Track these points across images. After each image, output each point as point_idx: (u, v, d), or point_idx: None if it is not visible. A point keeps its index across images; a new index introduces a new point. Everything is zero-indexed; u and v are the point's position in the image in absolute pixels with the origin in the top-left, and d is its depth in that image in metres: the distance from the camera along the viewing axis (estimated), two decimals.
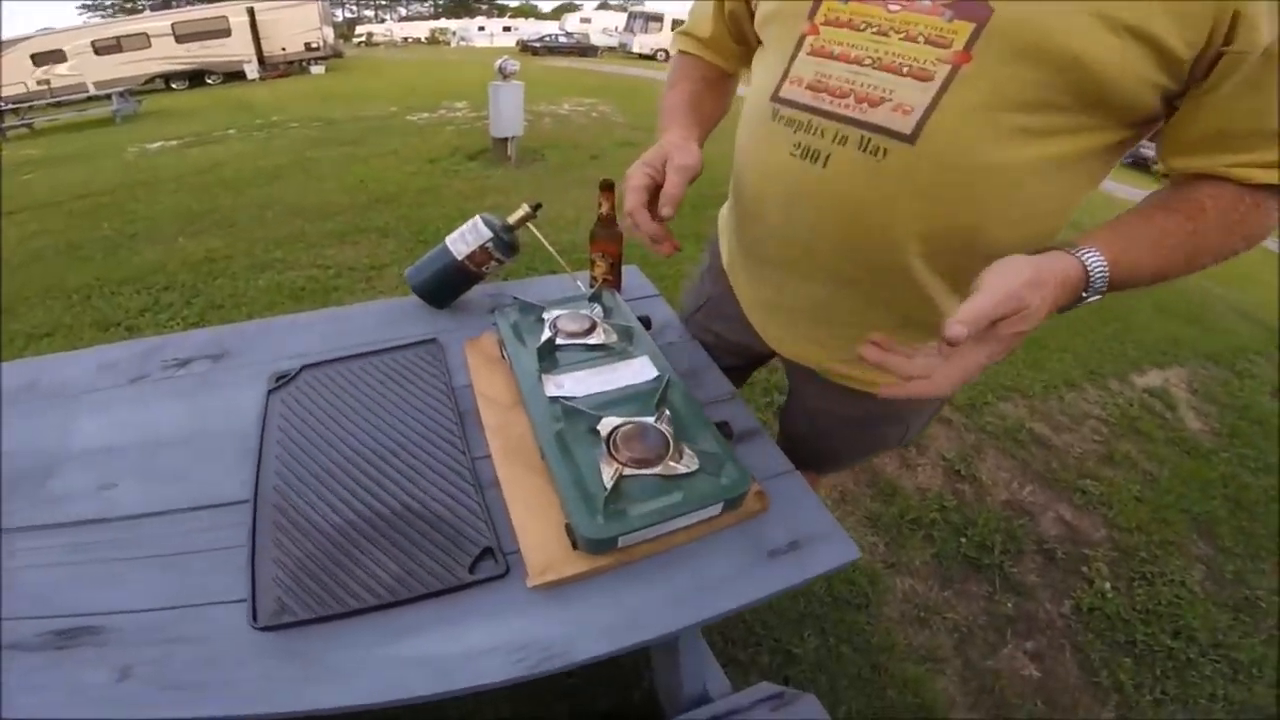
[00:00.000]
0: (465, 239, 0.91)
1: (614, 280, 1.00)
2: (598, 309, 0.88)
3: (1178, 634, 1.63)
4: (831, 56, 0.65)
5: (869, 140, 0.61)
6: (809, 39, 0.66)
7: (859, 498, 1.97)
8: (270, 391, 0.82)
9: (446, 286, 0.96)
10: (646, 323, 0.88)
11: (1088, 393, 2.84)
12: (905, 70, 0.60)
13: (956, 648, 1.54)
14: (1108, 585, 1.76)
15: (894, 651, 1.49)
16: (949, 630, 1.57)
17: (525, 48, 27.80)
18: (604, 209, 0.92)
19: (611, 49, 28.99)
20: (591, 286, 0.98)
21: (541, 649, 0.57)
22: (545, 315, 0.85)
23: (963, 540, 1.83)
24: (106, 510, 0.68)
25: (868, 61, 0.62)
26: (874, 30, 0.61)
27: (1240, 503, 2.37)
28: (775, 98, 0.69)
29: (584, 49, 27.76)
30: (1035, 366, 2.90)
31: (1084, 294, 0.57)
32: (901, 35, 0.60)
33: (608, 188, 0.90)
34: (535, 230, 0.95)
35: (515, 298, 0.88)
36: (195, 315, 2.72)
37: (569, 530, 0.61)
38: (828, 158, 0.64)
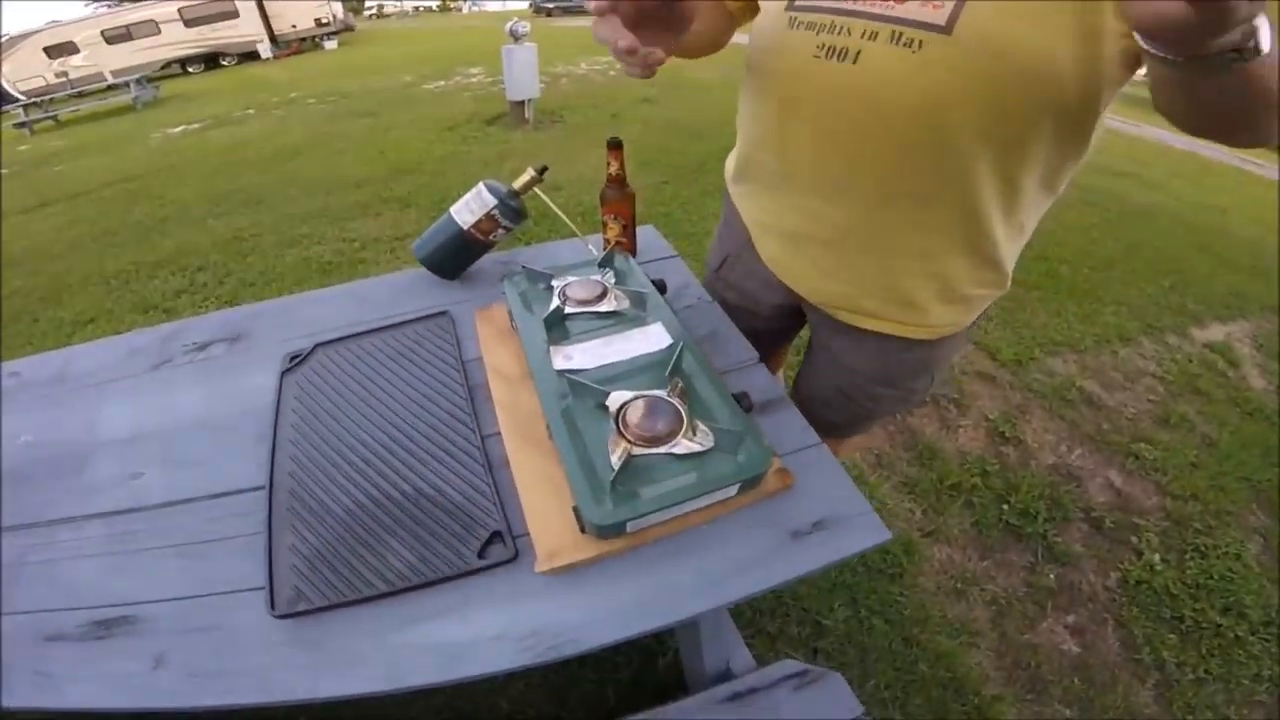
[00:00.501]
0: (470, 207, 0.87)
1: (628, 243, 0.96)
2: (610, 274, 0.83)
3: (1228, 610, 1.55)
4: None
5: (901, 34, 0.56)
6: None
7: (895, 462, 1.90)
8: (284, 372, 0.82)
9: (454, 257, 0.93)
10: (661, 287, 0.83)
11: (1144, 348, 2.68)
12: None
13: (993, 621, 1.49)
14: (1157, 557, 1.68)
15: (928, 624, 1.45)
16: (986, 603, 1.52)
17: (539, 9, 27.17)
18: (613, 169, 0.87)
19: None
20: (605, 250, 0.93)
21: (551, 636, 0.55)
22: (555, 283, 0.81)
23: (1005, 507, 1.76)
24: (136, 500, 0.71)
25: None
26: None
27: None
28: (792, 6, 0.64)
29: None
30: (1087, 320, 2.75)
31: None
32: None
33: (616, 146, 0.86)
34: (543, 194, 0.91)
35: (524, 266, 0.85)
36: (229, 294, 2.79)
37: (576, 514, 0.59)
38: (858, 54, 0.59)
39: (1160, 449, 2.10)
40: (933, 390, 0.91)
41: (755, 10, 0.74)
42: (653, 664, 1.27)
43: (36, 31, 16.71)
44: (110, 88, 12.05)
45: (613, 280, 0.82)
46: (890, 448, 1.97)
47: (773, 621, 1.41)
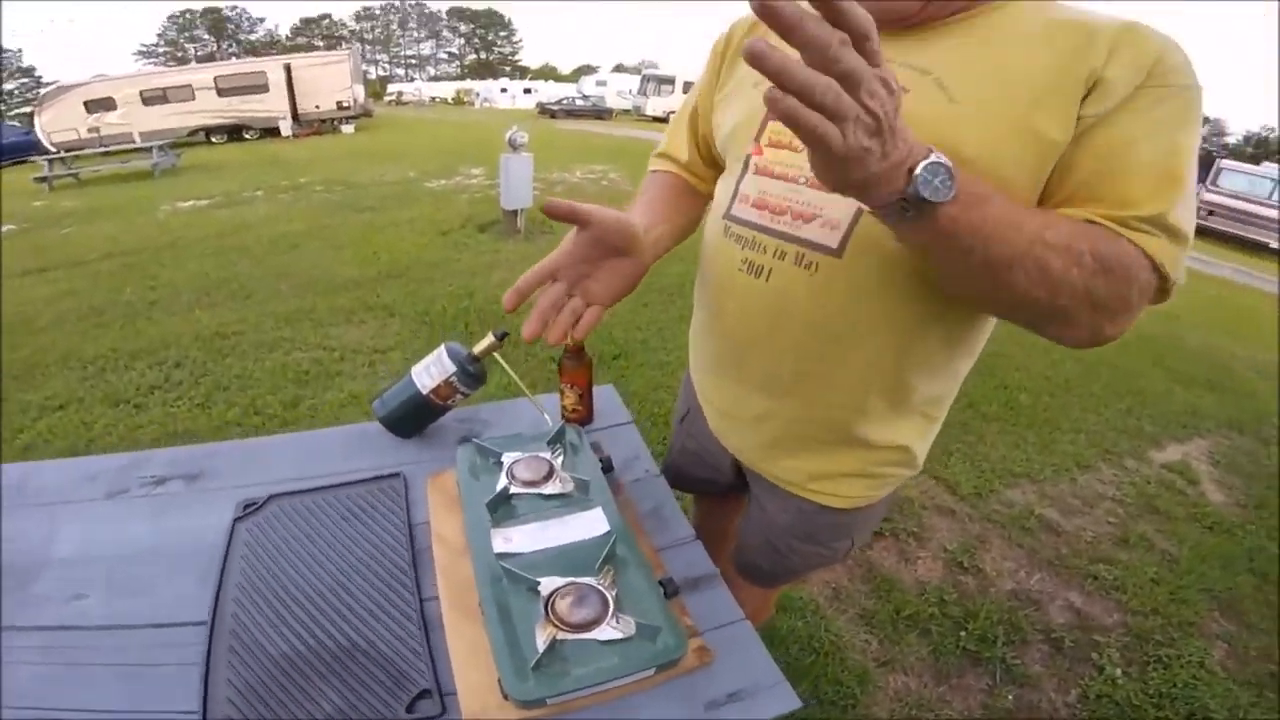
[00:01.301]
0: (430, 372, 0.93)
1: (584, 410, 1.01)
2: (559, 452, 0.89)
3: (1192, 715, 1.57)
4: (773, 175, 0.70)
5: (803, 255, 0.66)
6: (754, 159, 0.72)
7: (853, 594, 1.93)
8: (237, 519, 0.86)
9: (412, 419, 0.98)
10: (608, 464, 0.90)
11: (1102, 473, 2.80)
12: None
13: None
14: (1119, 671, 1.70)
15: None
16: None
17: (544, 110, 28.99)
18: (569, 342, 0.94)
19: (626, 111, 30.12)
20: (562, 416, 1.00)
21: None
22: (505, 458, 0.87)
23: (962, 634, 1.78)
24: (79, 619, 0.73)
25: (801, 180, 0.67)
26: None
27: (1267, 576, 2.30)
28: (727, 215, 0.75)
29: (599, 112, 28.95)
30: (1046, 449, 2.86)
31: (914, 173, 0.44)
32: None
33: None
34: (502, 360, 0.97)
35: (474, 442, 0.90)
36: (202, 395, 2.79)
37: (500, 684, 0.62)
38: (770, 272, 0.69)
39: (1120, 568, 2.17)
40: (854, 551, 0.97)
41: (717, 172, 0.85)
42: None
43: (82, 84, 17.39)
44: (135, 150, 12.41)
45: (560, 460, 0.88)
46: (848, 581, 1.99)
47: None
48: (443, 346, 0.95)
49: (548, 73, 79.18)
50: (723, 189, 0.79)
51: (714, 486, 1.02)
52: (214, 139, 17.96)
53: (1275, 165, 20.09)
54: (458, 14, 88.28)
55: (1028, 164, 0.57)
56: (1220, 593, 2.09)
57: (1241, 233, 15.61)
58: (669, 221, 0.81)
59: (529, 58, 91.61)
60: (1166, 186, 0.54)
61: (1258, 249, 15.08)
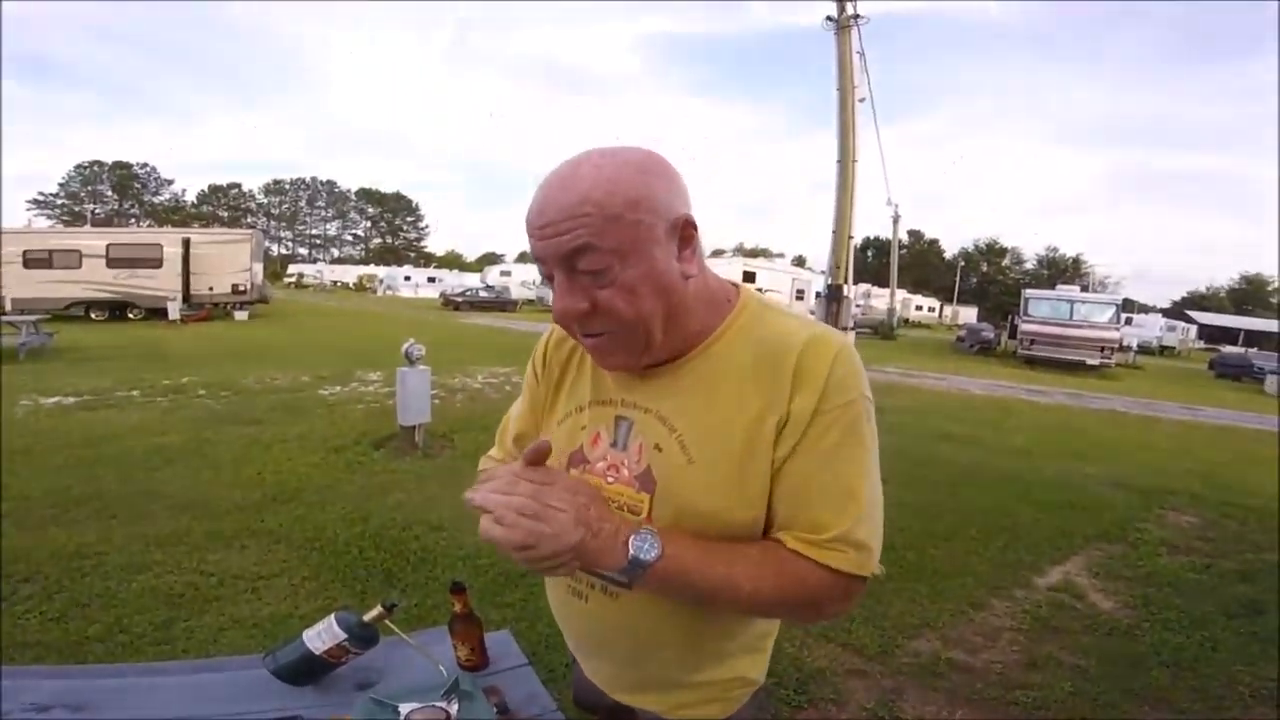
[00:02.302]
0: (321, 637, 0.98)
1: (478, 659, 1.07)
2: (455, 701, 0.93)
3: None
4: None
5: (607, 587, 0.81)
6: None
7: None
8: None
9: (304, 675, 1.00)
10: (504, 707, 0.96)
11: (995, 608, 2.99)
12: None
13: None
14: None
15: None
16: None
17: (448, 301, 29.62)
18: (458, 608, 1.03)
19: (530, 301, 31.49)
20: (458, 666, 1.05)
21: None
22: (401, 709, 0.90)
23: None
24: None
25: None
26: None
27: (1180, 663, 2.47)
28: None
29: (504, 303, 30.05)
30: (939, 597, 3.04)
31: (629, 548, 0.67)
32: (616, 505, 0.78)
33: (459, 590, 1.03)
34: (394, 626, 1.04)
35: (371, 697, 0.93)
36: (57, 610, 2.51)
37: None
38: (587, 597, 0.83)
39: (1036, 690, 2.29)
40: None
41: None
42: None
43: None
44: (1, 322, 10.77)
45: (456, 708, 0.92)
46: None
47: None
48: (333, 616, 1.01)
49: (452, 260, 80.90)
50: None
51: (608, 712, 1.06)
52: (94, 315, 16.64)
53: (1069, 286, 23.37)
54: (366, 195, 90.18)
55: (746, 506, 0.75)
56: (1139, 689, 2.24)
57: (1060, 355, 17.62)
58: None
59: (435, 244, 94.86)
60: (846, 507, 0.73)
61: (1075, 368, 17.05)
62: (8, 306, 14.65)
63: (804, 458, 0.72)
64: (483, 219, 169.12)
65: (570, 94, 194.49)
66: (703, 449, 0.75)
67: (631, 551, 0.66)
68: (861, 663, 2.47)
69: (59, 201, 68.52)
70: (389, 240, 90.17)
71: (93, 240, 17.45)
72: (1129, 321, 27.89)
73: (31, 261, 16.02)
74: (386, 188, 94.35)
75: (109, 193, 71.85)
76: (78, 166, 70.90)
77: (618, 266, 0.67)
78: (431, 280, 44.06)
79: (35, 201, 68.04)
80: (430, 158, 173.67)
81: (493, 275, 39.15)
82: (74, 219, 64.06)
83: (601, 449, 0.82)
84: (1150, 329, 31.82)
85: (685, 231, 0.72)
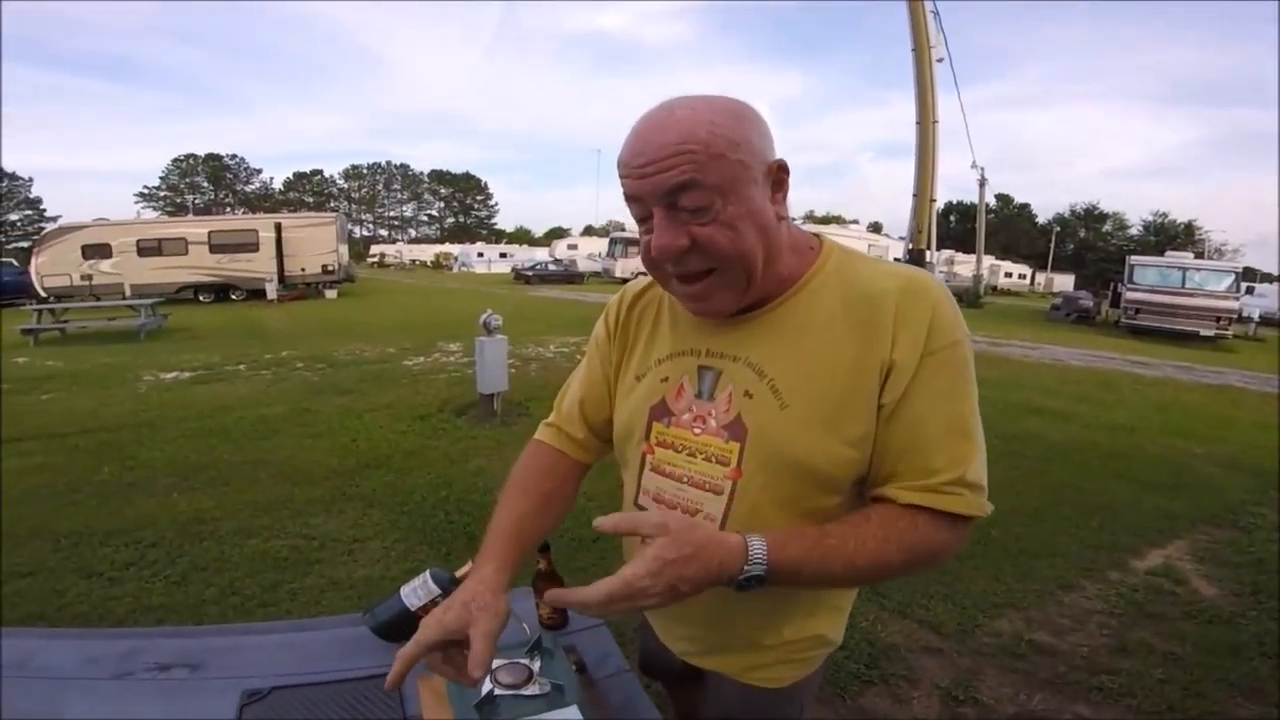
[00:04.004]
0: (417, 594, 1.05)
1: (559, 618, 1.12)
2: (537, 659, 0.98)
3: None
4: (664, 474, 0.84)
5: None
6: (649, 457, 0.86)
7: None
8: (243, 706, 0.91)
9: (400, 631, 1.06)
10: (582, 666, 0.99)
11: (1086, 590, 2.84)
12: (706, 485, 0.80)
13: None
14: None
15: None
16: None
17: (519, 275, 30.64)
18: (542, 565, 1.07)
19: (596, 274, 31.80)
20: (540, 623, 1.10)
21: None
22: None
23: None
24: None
25: (685, 479, 0.82)
26: (687, 452, 0.82)
27: None
28: (635, 503, 0.89)
29: (571, 275, 30.66)
30: (1025, 577, 2.90)
31: (745, 566, 0.67)
32: (703, 456, 0.80)
33: (545, 549, 1.07)
34: None
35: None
36: (178, 575, 2.77)
37: None
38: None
39: (1124, 675, 2.18)
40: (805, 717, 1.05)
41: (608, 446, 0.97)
42: None
43: (83, 227, 17.60)
44: (123, 306, 12.33)
45: (539, 665, 0.96)
46: None
47: None
48: (427, 572, 1.08)
49: (522, 236, 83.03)
50: (628, 479, 0.93)
51: (675, 675, 1.10)
52: (202, 297, 18.18)
53: (1180, 253, 21.25)
54: (438, 177, 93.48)
55: (848, 449, 0.74)
56: (1237, 680, 2.11)
57: (1169, 325, 16.16)
58: (533, 541, 0.89)
59: (504, 220, 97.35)
60: (959, 447, 0.72)
61: (1186, 339, 15.57)
62: (127, 291, 16.30)
63: (915, 402, 0.71)
64: (548, 196, 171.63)
65: (621, 67, 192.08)
66: (797, 394, 0.74)
67: (749, 567, 0.67)
68: (938, 640, 2.41)
69: (161, 194, 74.39)
70: (461, 219, 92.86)
71: (196, 228, 19.06)
72: (1250, 291, 25.01)
73: (144, 250, 17.72)
74: (456, 169, 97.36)
75: (204, 183, 77.11)
76: (174, 160, 76.26)
77: (719, 203, 0.68)
78: (503, 256, 45.24)
79: (141, 195, 74.36)
80: (494, 139, 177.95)
81: (560, 249, 39.77)
82: (176, 209, 69.71)
83: (686, 400, 0.82)
84: (1274, 299, 28.53)
85: (778, 175, 0.73)
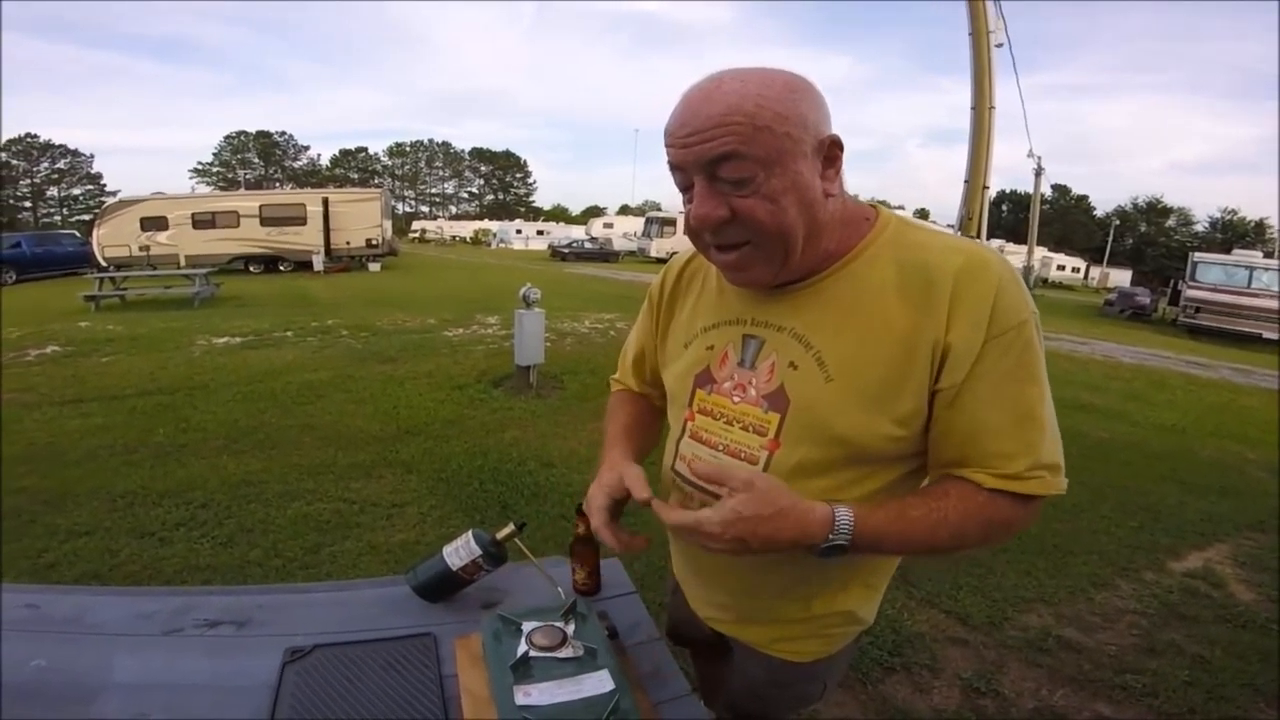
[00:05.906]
0: (459, 553, 1.09)
1: (592, 584, 1.15)
2: (571, 623, 1.01)
3: None
4: (702, 441, 0.86)
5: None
6: (689, 424, 0.88)
7: None
8: (286, 664, 0.96)
9: (441, 590, 1.12)
10: (614, 632, 1.03)
11: (1120, 589, 2.79)
12: (742, 455, 0.81)
13: None
14: None
15: None
16: None
17: (555, 252, 30.99)
18: (580, 530, 1.10)
19: (631, 253, 31.88)
20: (574, 588, 1.14)
21: None
22: (524, 627, 0.99)
23: None
24: None
25: (721, 447, 0.83)
26: (725, 420, 0.83)
27: None
28: (673, 468, 0.91)
29: (606, 254, 30.75)
30: (1058, 573, 2.86)
31: (830, 535, 0.69)
32: (740, 425, 0.81)
33: (583, 513, 1.08)
34: (521, 544, 1.13)
35: (499, 613, 1.02)
36: (225, 536, 2.90)
37: None
38: None
39: (1149, 676, 2.15)
40: (829, 694, 1.08)
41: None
42: None
43: (141, 200, 18.46)
44: (178, 275, 13.17)
45: (573, 629, 1.00)
46: (860, 713, 1.98)
47: None
48: (469, 533, 1.12)
49: (559, 214, 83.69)
50: (668, 444, 0.95)
51: (703, 644, 1.14)
52: (252, 268, 18.91)
53: (1248, 251, 19.96)
54: (478, 155, 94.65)
55: (895, 425, 0.73)
56: (1263, 686, 2.06)
57: (1231, 326, 15.32)
58: (644, 442, 1.02)
59: (542, 198, 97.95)
60: (1030, 432, 0.71)
61: (1248, 341, 14.69)
62: (182, 262, 17.12)
63: (979, 387, 0.70)
64: (585, 175, 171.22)
65: (662, 47, 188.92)
66: (843, 366, 0.74)
67: (834, 537, 0.70)
68: (964, 631, 2.40)
69: (214, 169, 77.07)
70: (500, 196, 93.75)
71: (247, 202, 19.74)
72: None
73: (199, 223, 18.47)
74: (496, 147, 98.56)
75: (255, 159, 79.52)
76: (226, 137, 78.80)
77: (762, 175, 0.67)
78: (540, 233, 45.58)
79: (195, 170, 77.29)
80: (534, 117, 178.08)
81: (596, 228, 39.97)
82: (228, 184, 72.13)
83: (729, 368, 0.83)
84: None
85: (831, 151, 0.72)
